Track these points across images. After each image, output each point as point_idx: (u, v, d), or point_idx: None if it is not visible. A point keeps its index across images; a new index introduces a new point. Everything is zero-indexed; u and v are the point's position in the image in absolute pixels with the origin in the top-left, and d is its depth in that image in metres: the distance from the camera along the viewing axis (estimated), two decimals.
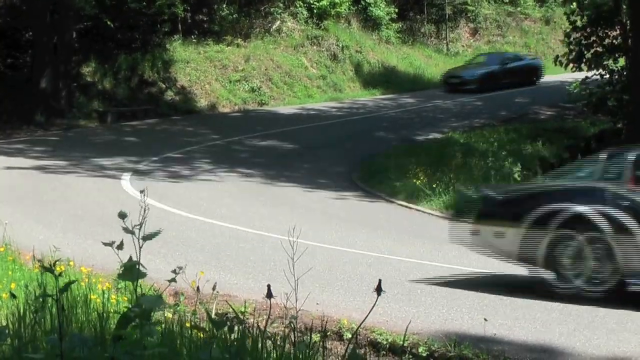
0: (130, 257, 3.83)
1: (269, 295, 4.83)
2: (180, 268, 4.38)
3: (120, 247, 4.01)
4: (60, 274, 4.72)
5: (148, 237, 3.92)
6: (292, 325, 4.92)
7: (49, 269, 4.39)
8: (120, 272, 3.78)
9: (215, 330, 4.05)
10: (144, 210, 3.98)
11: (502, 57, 44.98)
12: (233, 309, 6.87)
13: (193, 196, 19.59)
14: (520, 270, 13.75)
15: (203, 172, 23.17)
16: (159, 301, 3.62)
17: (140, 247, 3.88)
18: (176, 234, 15.23)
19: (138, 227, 3.94)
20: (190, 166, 23.98)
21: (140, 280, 9.94)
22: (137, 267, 3.75)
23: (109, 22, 34.44)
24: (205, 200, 19.14)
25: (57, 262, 5.21)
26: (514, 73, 43.31)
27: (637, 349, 9.96)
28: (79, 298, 7.71)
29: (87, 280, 8.97)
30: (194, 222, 16.64)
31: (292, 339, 4.93)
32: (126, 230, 3.88)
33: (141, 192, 4.18)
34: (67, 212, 17.16)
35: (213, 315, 7.70)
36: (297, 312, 4.89)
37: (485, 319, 9.87)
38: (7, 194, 18.90)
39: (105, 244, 4.12)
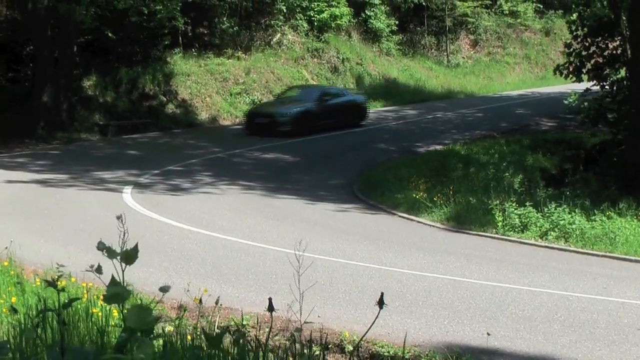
0: (113, 278, 3.76)
1: (271, 308, 4.83)
2: (168, 287, 4.32)
3: (99, 271, 3.98)
4: (62, 289, 4.74)
5: (129, 261, 3.84)
6: (294, 339, 4.92)
7: (52, 283, 4.40)
8: (105, 296, 3.72)
9: (213, 348, 4.04)
10: (124, 234, 3.96)
11: (320, 92, 34.75)
12: (228, 323, 6.88)
13: (194, 209, 19.60)
14: (520, 282, 13.76)
15: (204, 185, 23.18)
16: (147, 317, 3.55)
17: (123, 271, 3.85)
18: (177, 247, 15.25)
19: (119, 252, 3.89)
20: (192, 179, 23.98)
21: (140, 294, 9.90)
22: (122, 292, 3.69)
23: (110, 35, 34.53)
24: (206, 213, 19.14)
25: (60, 277, 5.20)
26: (334, 112, 33.72)
27: None
28: (80, 312, 7.71)
29: (88, 294, 8.97)
30: (195, 235, 16.65)
31: (294, 352, 4.93)
32: (109, 255, 3.82)
33: (118, 217, 4.11)
34: (68, 226, 17.16)
35: (216, 329, 7.70)
36: (301, 324, 4.89)
37: (488, 334, 9.87)
38: (8, 207, 18.91)
39: (87, 270, 4.10)
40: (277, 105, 33.84)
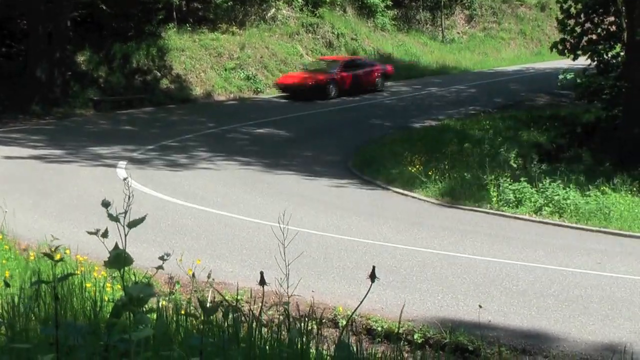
0: (116, 245, 3.80)
1: (262, 282, 4.83)
2: (168, 255, 4.35)
3: (105, 235, 3.98)
4: (60, 260, 4.73)
5: (132, 225, 3.89)
6: (286, 312, 4.92)
7: (49, 255, 4.39)
8: (108, 260, 3.74)
9: (207, 317, 4.04)
10: (129, 198, 3.97)
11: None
12: (222, 296, 6.87)
13: (189, 184, 19.58)
14: (514, 258, 13.78)
15: (199, 161, 23.15)
16: (147, 289, 3.59)
17: (126, 235, 3.87)
18: (172, 223, 15.24)
19: (123, 214, 3.92)
20: (187, 154, 23.95)
21: (134, 269, 9.93)
22: (123, 255, 3.71)
23: (104, 8, 34.36)
24: (201, 189, 19.13)
25: (56, 249, 5.19)
26: None
27: (631, 335, 9.99)
28: (74, 287, 7.70)
29: (82, 268, 8.97)
30: (190, 211, 16.64)
31: (287, 325, 4.93)
32: (111, 217, 3.85)
33: (124, 179, 4.19)
34: (62, 201, 17.14)
35: (209, 303, 7.71)
36: (289, 297, 4.90)
37: (480, 306, 9.89)
38: (3, 183, 18.87)
39: (90, 233, 4.09)
40: None
